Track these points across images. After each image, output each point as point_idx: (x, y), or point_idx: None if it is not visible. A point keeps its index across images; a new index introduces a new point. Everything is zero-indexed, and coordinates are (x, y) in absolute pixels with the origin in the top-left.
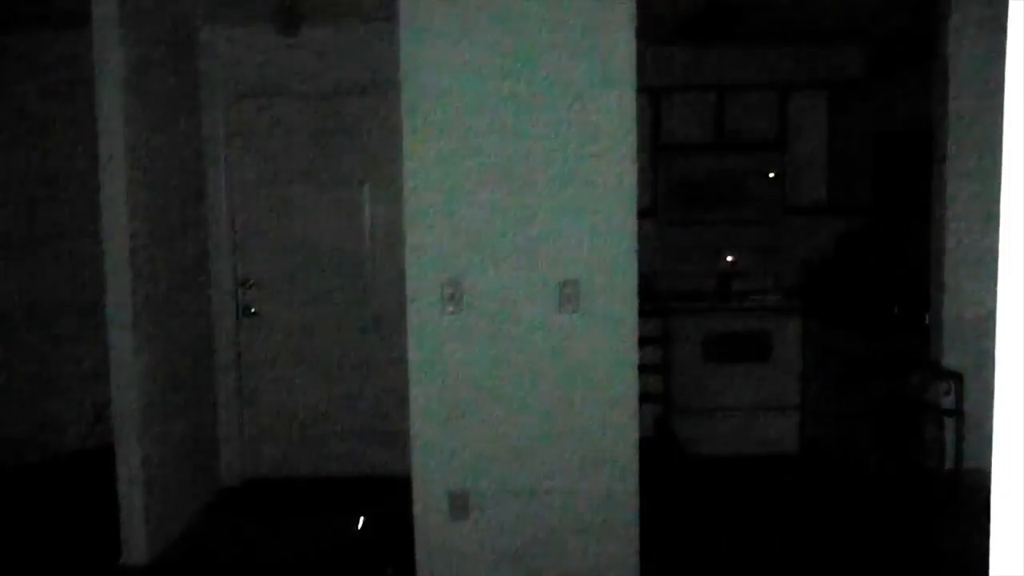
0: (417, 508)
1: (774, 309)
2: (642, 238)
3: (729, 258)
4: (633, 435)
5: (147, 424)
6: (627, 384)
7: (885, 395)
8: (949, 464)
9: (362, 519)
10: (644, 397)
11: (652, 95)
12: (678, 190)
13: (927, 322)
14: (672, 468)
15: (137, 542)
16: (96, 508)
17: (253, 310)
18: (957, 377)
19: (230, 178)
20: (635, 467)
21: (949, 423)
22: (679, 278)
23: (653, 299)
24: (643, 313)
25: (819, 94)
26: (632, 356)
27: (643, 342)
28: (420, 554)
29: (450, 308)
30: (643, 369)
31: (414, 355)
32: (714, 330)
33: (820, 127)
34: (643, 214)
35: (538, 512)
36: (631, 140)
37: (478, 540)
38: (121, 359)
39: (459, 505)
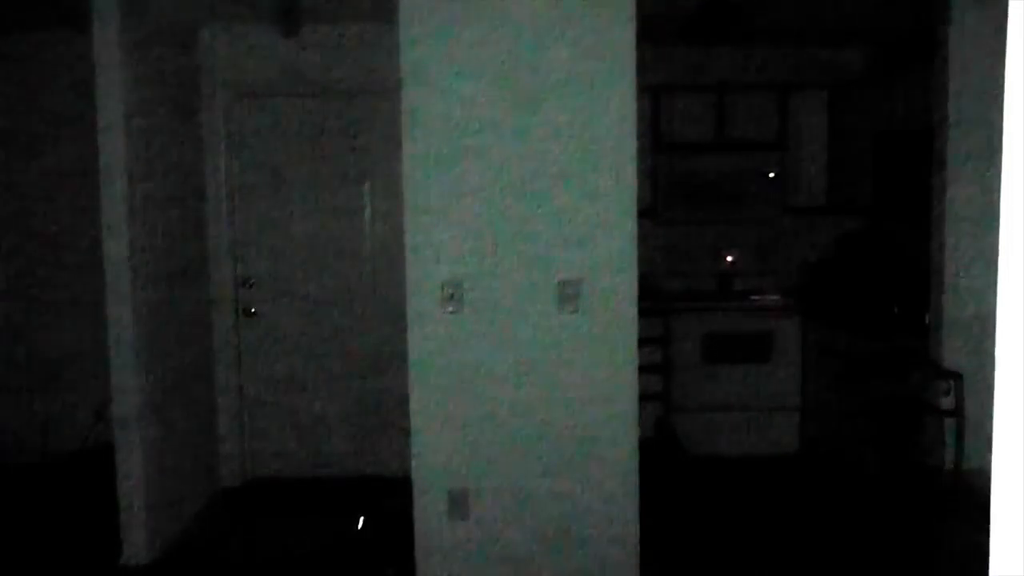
0: (417, 508)
1: (774, 309)
2: (642, 238)
3: (729, 258)
4: (633, 435)
5: (147, 424)
6: (627, 384)
7: (885, 395)
8: (949, 464)
9: (362, 519)
10: (644, 397)
11: (652, 95)
12: (678, 190)
13: (927, 322)
14: (672, 468)
15: (137, 542)
16: (96, 508)
17: (253, 310)
18: (957, 377)
19: (230, 178)
20: (635, 467)
21: (949, 423)
22: (679, 278)
23: (653, 299)
24: (643, 313)
25: (819, 94)
26: (632, 356)
27: (643, 342)
28: (420, 554)
29: (450, 308)
30: (643, 369)
31: (414, 355)
32: (714, 330)
33: (820, 127)
34: (643, 214)
35: (538, 512)
36: (631, 140)
37: (478, 540)
38: (121, 359)
39: (459, 505)
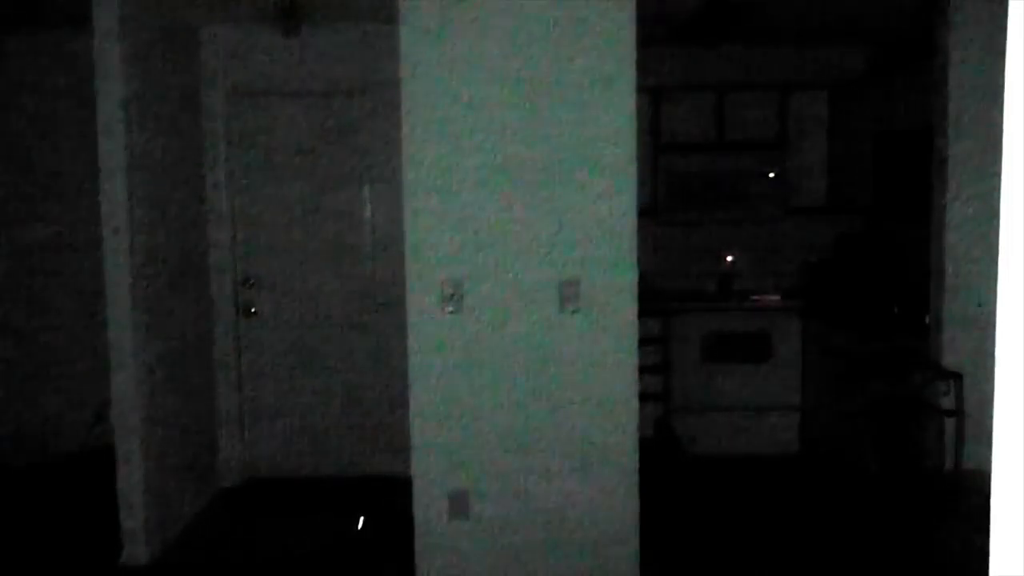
0: (417, 508)
1: (774, 309)
2: (642, 238)
3: (729, 258)
4: (633, 435)
5: (147, 424)
6: (627, 384)
7: (885, 395)
8: (949, 464)
9: (362, 519)
10: (644, 397)
11: (652, 95)
12: (678, 190)
13: (927, 322)
14: (672, 468)
15: (137, 542)
16: (96, 508)
17: (253, 310)
18: (957, 377)
19: (230, 178)
20: (635, 467)
21: (949, 423)
22: (679, 278)
23: (653, 299)
24: (643, 313)
25: (819, 94)
26: (632, 356)
27: (643, 342)
28: (420, 554)
29: (450, 308)
30: (643, 369)
31: (414, 355)
32: (714, 330)
33: (820, 127)
34: (643, 214)
35: (538, 512)
36: (631, 140)
37: (478, 540)
38: (121, 359)
39: (459, 505)
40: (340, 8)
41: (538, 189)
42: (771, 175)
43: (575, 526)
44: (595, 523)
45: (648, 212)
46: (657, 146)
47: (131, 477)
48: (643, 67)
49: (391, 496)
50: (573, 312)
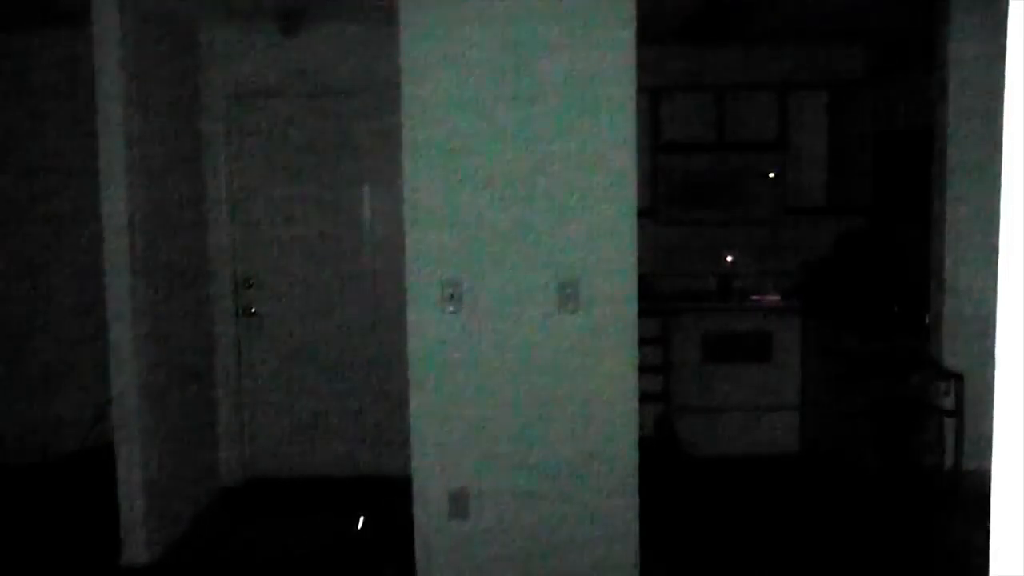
0: (417, 508)
1: (774, 309)
2: (642, 238)
3: (729, 258)
4: (633, 435)
5: (147, 424)
6: (627, 384)
7: (885, 395)
8: (949, 464)
9: (362, 519)
10: (644, 397)
11: (652, 95)
12: (678, 190)
13: (927, 322)
14: (672, 468)
15: (137, 542)
16: (96, 508)
17: (253, 310)
18: (957, 377)
19: (230, 178)
20: (635, 467)
21: (949, 423)
22: (679, 278)
23: (653, 299)
24: (643, 313)
25: (819, 94)
26: (632, 356)
27: (643, 342)
28: (420, 554)
29: (450, 308)
30: (643, 369)
31: (414, 355)
32: (714, 330)
33: (820, 127)
34: (643, 214)
35: (538, 512)
36: (631, 140)
37: (478, 540)
38: (121, 359)
39: (459, 505)
40: (340, 8)
41: (538, 189)
42: (771, 175)
43: (575, 526)
44: (595, 523)
45: (648, 212)
46: (657, 146)
47: (131, 477)
48: (643, 67)
49: (391, 496)
50: (573, 312)
